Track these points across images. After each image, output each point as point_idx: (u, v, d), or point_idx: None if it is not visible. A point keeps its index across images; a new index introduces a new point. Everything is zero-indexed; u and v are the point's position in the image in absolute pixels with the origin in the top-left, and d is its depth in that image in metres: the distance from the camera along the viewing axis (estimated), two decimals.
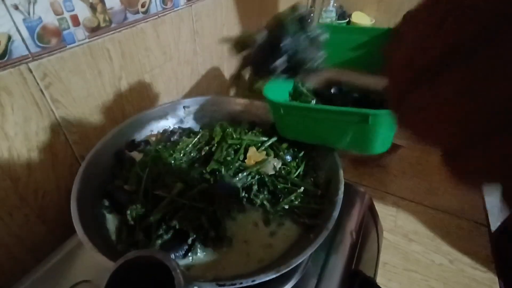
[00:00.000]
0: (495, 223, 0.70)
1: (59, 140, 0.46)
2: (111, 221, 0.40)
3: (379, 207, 0.66)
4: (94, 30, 0.45)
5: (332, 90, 0.48)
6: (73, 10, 0.41)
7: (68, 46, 0.42)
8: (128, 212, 0.37)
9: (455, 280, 0.57)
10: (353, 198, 0.54)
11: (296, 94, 0.51)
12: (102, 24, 0.46)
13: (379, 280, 0.55)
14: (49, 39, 0.39)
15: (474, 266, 0.59)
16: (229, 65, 0.84)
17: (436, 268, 0.59)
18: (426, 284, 0.56)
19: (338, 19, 1.47)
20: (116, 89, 0.52)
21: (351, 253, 0.47)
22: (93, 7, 0.43)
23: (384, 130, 0.38)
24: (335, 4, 1.33)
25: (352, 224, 0.50)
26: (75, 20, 0.41)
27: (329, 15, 1.34)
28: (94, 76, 0.48)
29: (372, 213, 0.57)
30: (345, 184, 0.42)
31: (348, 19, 1.52)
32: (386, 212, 0.69)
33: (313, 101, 0.48)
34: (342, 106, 0.40)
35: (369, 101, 0.46)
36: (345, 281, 0.42)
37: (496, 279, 0.56)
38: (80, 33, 0.43)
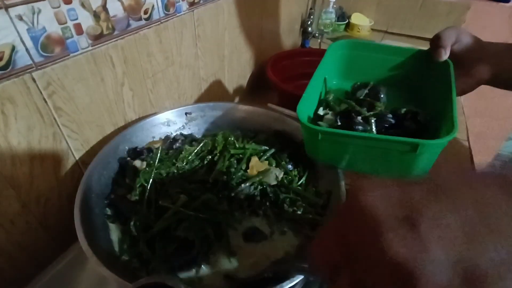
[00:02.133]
0: None
1: (61, 147, 0.45)
2: (114, 231, 0.40)
3: None
4: (97, 38, 0.44)
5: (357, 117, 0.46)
6: (76, 18, 0.40)
7: (71, 55, 0.41)
8: (132, 223, 0.37)
9: None
10: None
11: (316, 117, 0.50)
12: (105, 32, 0.45)
13: None
14: (52, 48, 0.39)
15: None
16: (230, 68, 0.84)
17: None
18: None
19: (338, 20, 1.47)
20: (119, 95, 0.52)
21: None
22: (96, 15, 0.43)
23: (427, 159, 0.38)
24: (334, 6, 1.32)
25: None
26: (79, 29, 0.41)
27: (329, 16, 1.33)
28: (97, 83, 0.48)
29: None
30: (346, 191, 0.42)
31: (347, 20, 1.52)
32: None
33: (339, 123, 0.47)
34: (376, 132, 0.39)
35: (403, 126, 0.45)
36: None
37: None
38: (83, 41, 0.42)
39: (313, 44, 1.32)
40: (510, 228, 0.14)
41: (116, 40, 0.48)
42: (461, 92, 0.52)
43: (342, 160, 0.43)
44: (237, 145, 0.47)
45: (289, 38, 1.22)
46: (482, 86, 0.53)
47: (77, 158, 0.48)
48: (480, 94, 0.55)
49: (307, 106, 0.46)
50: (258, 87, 1.02)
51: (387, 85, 0.55)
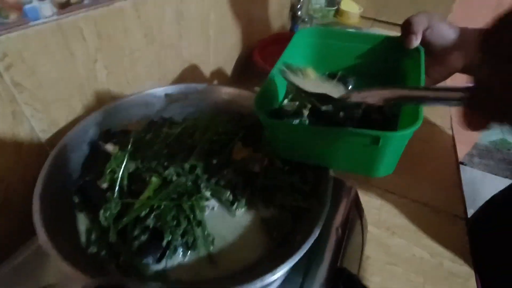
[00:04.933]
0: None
1: (23, 128, 0.41)
2: (81, 220, 0.37)
3: (364, 200, 0.66)
4: (64, 6, 0.40)
5: (324, 107, 0.45)
6: None
7: (32, 23, 0.37)
8: (102, 212, 0.34)
9: (434, 273, 0.58)
10: (339, 193, 0.52)
11: (280, 108, 0.47)
12: (73, 0, 0.41)
13: (361, 274, 0.55)
14: (7, 14, 0.34)
15: (453, 259, 0.60)
16: (215, 51, 0.80)
17: (417, 261, 0.60)
18: (406, 278, 0.57)
19: (327, 5, 1.44)
20: (91, 73, 0.48)
21: (336, 251, 0.46)
22: None
23: (392, 153, 0.36)
24: None
25: (338, 220, 0.49)
26: None
27: (318, 1, 1.31)
28: (65, 58, 0.43)
29: (357, 207, 0.56)
30: (333, 179, 0.41)
31: (337, 7, 1.49)
32: (370, 206, 0.69)
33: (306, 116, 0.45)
34: (339, 125, 0.38)
35: (368, 119, 0.44)
36: (330, 279, 0.42)
37: (472, 272, 0.58)
38: (46, 8, 0.38)
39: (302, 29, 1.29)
40: None
41: (87, 11, 0.43)
42: (434, 81, 0.50)
43: (305, 156, 0.41)
44: (219, 129, 0.44)
45: (278, 22, 1.18)
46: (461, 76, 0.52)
47: (43, 140, 0.44)
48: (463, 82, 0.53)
49: (269, 98, 0.44)
50: (245, 72, 0.99)
51: (357, 74, 0.53)
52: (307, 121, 0.44)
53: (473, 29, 0.48)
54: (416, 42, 0.46)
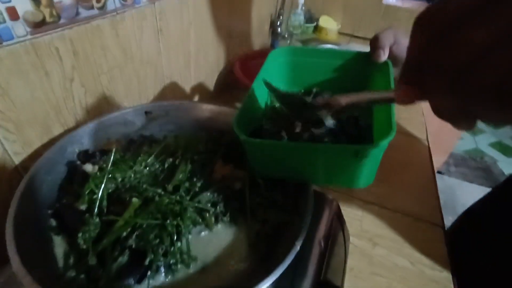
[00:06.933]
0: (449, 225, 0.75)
1: None
2: (58, 245, 0.36)
3: (345, 212, 0.67)
4: (38, 26, 0.39)
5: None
6: (9, 1, 0.35)
7: (4, 43, 0.36)
8: (80, 235, 0.33)
9: (415, 281, 0.59)
10: (321, 206, 0.53)
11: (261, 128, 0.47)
12: (49, 20, 0.40)
13: (346, 286, 0.56)
14: None
15: (433, 267, 0.61)
16: (196, 67, 0.81)
17: (399, 270, 0.61)
18: (389, 287, 0.58)
19: (306, 22, 1.49)
20: (68, 92, 0.47)
21: (320, 263, 0.46)
22: (36, 0, 0.38)
23: (371, 164, 0.37)
24: (303, 8, 1.34)
25: (320, 233, 0.50)
26: (13, 13, 0.36)
27: (297, 18, 1.34)
28: (40, 77, 0.42)
29: (339, 219, 0.57)
30: (314, 192, 0.41)
31: (315, 23, 1.54)
32: (352, 217, 0.70)
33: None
34: (316, 140, 0.39)
35: (345, 132, 0.45)
36: None
37: (451, 277, 0.59)
38: (20, 28, 0.37)
39: (282, 45, 1.32)
40: None
41: (63, 30, 0.43)
42: None
43: (286, 174, 0.42)
44: (201, 149, 0.44)
45: (259, 38, 1.21)
46: None
47: (16, 163, 0.43)
48: None
49: (248, 117, 0.44)
50: (227, 87, 0.99)
51: (332, 90, 0.54)
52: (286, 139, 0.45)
53: None
54: (384, 56, 0.48)
